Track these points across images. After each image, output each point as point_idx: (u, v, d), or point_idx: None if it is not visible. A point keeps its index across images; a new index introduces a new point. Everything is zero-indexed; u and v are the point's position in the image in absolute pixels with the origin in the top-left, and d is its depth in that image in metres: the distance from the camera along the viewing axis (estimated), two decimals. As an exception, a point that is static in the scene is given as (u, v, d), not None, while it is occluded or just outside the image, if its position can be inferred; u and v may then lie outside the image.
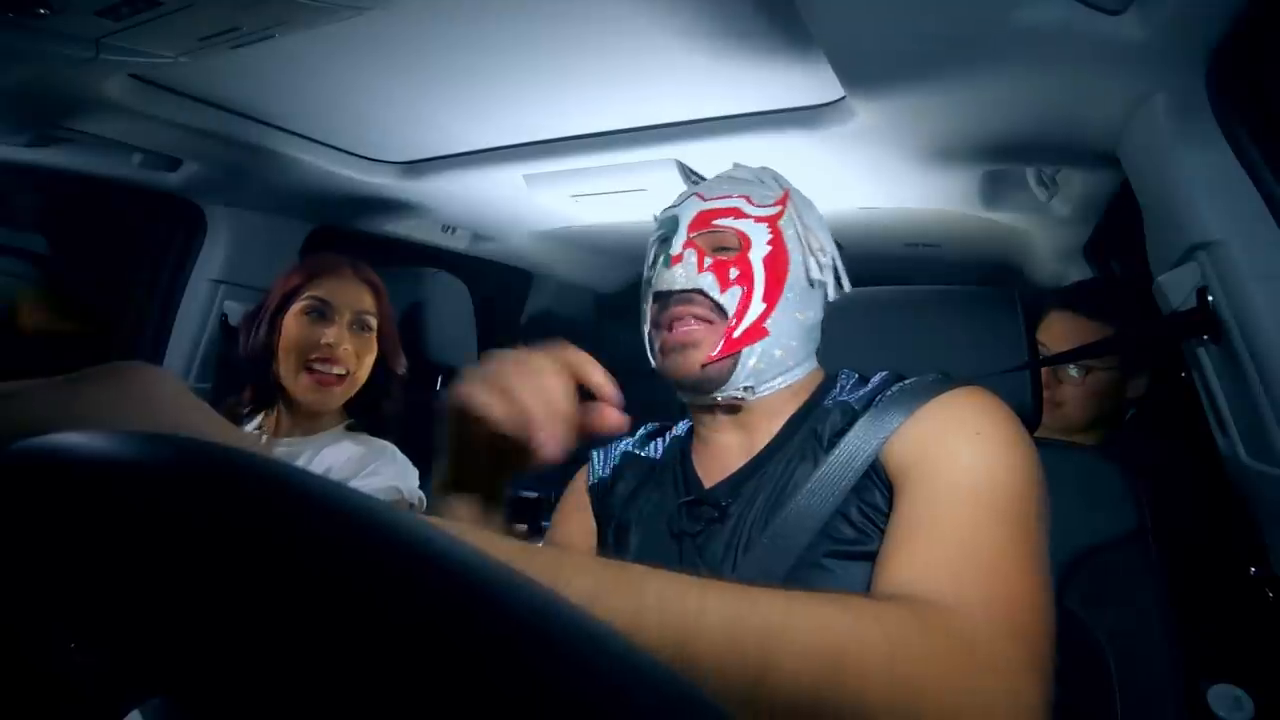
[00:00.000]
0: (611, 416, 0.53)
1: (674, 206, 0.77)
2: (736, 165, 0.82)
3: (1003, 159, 1.18)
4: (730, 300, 0.70)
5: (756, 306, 0.70)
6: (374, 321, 1.18)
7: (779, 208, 0.75)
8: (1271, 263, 0.75)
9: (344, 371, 1.14)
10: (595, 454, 0.86)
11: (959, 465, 0.57)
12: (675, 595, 0.40)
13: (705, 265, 0.71)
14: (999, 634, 0.45)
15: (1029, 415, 0.83)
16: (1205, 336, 0.83)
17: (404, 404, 1.27)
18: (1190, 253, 0.82)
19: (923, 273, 2.11)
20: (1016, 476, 0.56)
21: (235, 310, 1.60)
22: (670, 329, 0.72)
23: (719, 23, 0.88)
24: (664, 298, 0.73)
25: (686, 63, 0.98)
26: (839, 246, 0.79)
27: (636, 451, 0.84)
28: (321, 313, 1.15)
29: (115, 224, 1.57)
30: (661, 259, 0.74)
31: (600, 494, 0.82)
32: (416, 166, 1.43)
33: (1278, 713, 0.86)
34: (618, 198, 1.45)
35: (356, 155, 1.39)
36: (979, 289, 0.91)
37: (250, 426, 1.21)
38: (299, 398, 1.14)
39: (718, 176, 0.81)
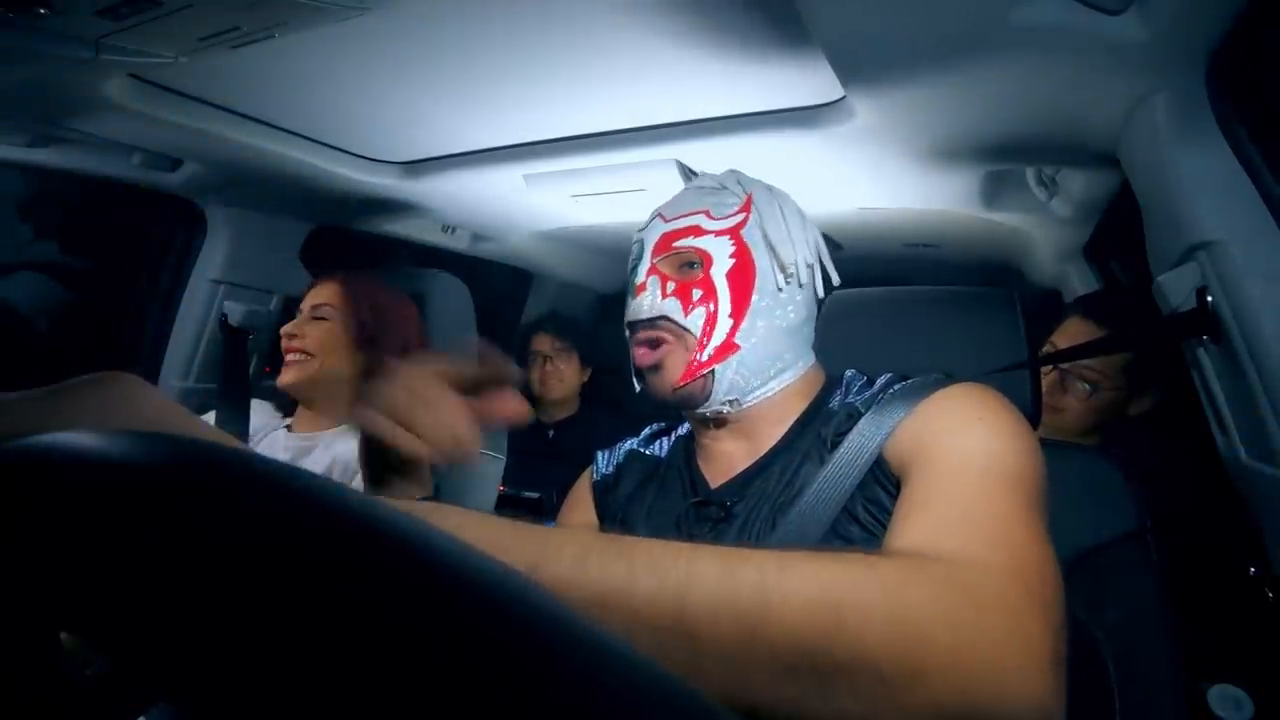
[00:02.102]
0: (510, 404, 0.51)
1: (642, 229, 0.78)
2: (701, 174, 0.81)
3: (1003, 159, 1.18)
4: (695, 322, 0.71)
5: (723, 324, 0.70)
6: (330, 312, 1.31)
7: (742, 215, 0.74)
8: (1271, 263, 0.75)
9: (304, 354, 1.28)
10: (600, 453, 0.87)
11: (962, 446, 0.57)
12: (668, 556, 0.40)
13: (668, 291, 0.72)
14: (1004, 579, 0.44)
15: (1028, 415, 0.83)
16: (1205, 336, 0.83)
17: None
18: (1190, 253, 0.82)
19: (923, 273, 2.11)
20: (1019, 458, 0.56)
21: (235, 310, 1.60)
22: (641, 353, 0.74)
23: (719, 23, 0.88)
24: (634, 326, 0.74)
25: (686, 63, 0.97)
26: (836, 245, 0.79)
27: (641, 450, 0.84)
28: (292, 313, 1.36)
29: (115, 224, 1.57)
30: (630, 288, 0.75)
31: (603, 491, 0.82)
32: (416, 166, 1.43)
33: (1278, 713, 0.86)
34: (617, 198, 1.45)
35: (356, 155, 1.39)
36: (979, 289, 0.91)
37: (282, 423, 1.36)
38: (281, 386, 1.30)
39: (685, 189, 0.80)
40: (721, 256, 0.71)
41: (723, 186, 0.77)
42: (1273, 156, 0.76)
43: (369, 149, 1.38)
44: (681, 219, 0.74)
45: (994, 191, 1.34)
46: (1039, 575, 0.46)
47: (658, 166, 1.28)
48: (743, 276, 0.71)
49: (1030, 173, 1.30)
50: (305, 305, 1.34)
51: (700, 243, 0.72)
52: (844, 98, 1.01)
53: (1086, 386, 1.21)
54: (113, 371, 0.29)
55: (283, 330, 1.31)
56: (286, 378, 1.28)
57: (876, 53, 0.85)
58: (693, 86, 1.06)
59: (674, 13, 0.86)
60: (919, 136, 1.09)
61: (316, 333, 1.29)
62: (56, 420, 0.26)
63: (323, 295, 1.33)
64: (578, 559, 0.38)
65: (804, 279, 0.74)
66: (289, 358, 1.29)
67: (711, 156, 1.23)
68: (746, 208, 0.74)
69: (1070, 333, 1.25)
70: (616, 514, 0.79)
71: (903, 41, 0.82)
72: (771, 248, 0.73)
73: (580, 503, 0.84)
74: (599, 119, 1.18)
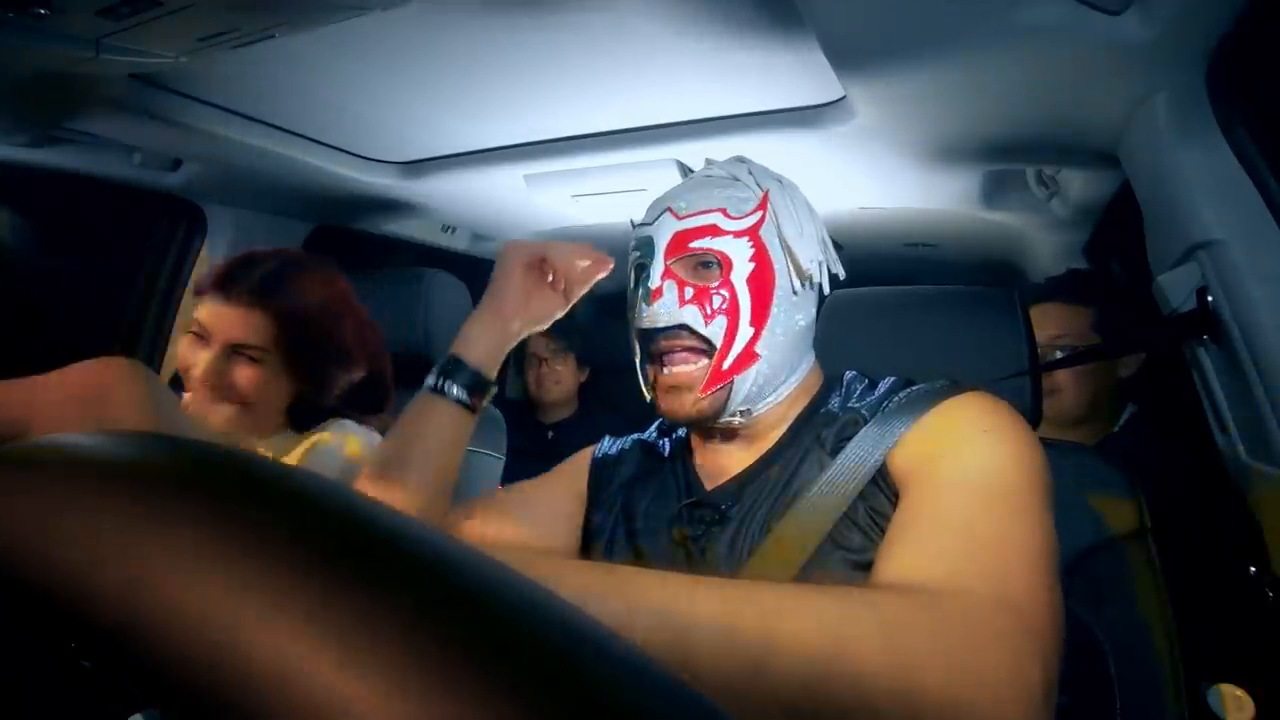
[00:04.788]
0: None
1: (648, 224, 0.73)
2: (709, 162, 0.77)
3: (1003, 159, 1.18)
4: (716, 332, 0.67)
5: (744, 333, 0.67)
6: (259, 355, 0.98)
7: (759, 214, 0.70)
8: (1271, 263, 0.75)
9: (233, 403, 0.97)
10: (608, 438, 0.86)
11: (963, 461, 0.57)
12: (668, 593, 0.40)
13: (687, 297, 0.68)
14: (997, 612, 0.45)
15: (1029, 415, 0.83)
16: (1205, 336, 0.83)
17: (393, 397, 1.22)
18: (1190, 253, 0.82)
19: (923, 273, 2.11)
20: (1022, 473, 0.56)
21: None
22: (661, 366, 0.70)
23: (719, 23, 0.88)
24: (648, 335, 0.70)
25: (686, 63, 0.97)
26: (837, 245, 0.78)
27: (648, 441, 0.84)
28: (201, 337, 0.98)
29: (115, 224, 1.57)
30: (641, 292, 0.71)
31: (601, 466, 0.82)
32: (416, 166, 1.43)
33: (1278, 713, 0.86)
34: (618, 198, 1.45)
35: (356, 155, 1.39)
36: (979, 289, 0.91)
37: None
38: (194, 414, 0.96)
39: (692, 179, 0.75)
40: (741, 260, 0.68)
41: (735, 179, 0.73)
42: (1273, 156, 0.76)
43: (369, 149, 1.38)
44: (696, 216, 0.70)
45: (994, 191, 1.35)
46: (1032, 603, 0.47)
47: (658, 166, 1.28)
48: (762, 281, 0.68)
49: (1030, 173, 1.31)
50: (212, 334, 0.96)
51: (718, 244, 0.68)
52: (844, 97, 1.01)
53: (1061, 353, 1.25)
54: (114, 357, 0.29)
55: (190, 367, 0.95)
56: (217, 419, 0.95)
57: (877, 52, 0.84)
58: (693, 86, 1.06)
59: (674, 13, 0.86)
60: (919, 136, 1.09)
61: (249, 378, 0.97)
62: (52, 408, 0.26)
63: (244, 332, 0.97)
64: (577, 594, 0.38)
65: (817, 278, 0.72)
66: (213, 401, 0.96)
67: (712, 156, 1.23)
68: (764, 205, 0.70)
69: (1038, 319, 1.26)
70: (614, 497, 0.78)
71: (903, 41, 0.82)
72: (789, 249, 0.70)
73: (574, 471, 0.83)
74: (599, 119, 1.18)
